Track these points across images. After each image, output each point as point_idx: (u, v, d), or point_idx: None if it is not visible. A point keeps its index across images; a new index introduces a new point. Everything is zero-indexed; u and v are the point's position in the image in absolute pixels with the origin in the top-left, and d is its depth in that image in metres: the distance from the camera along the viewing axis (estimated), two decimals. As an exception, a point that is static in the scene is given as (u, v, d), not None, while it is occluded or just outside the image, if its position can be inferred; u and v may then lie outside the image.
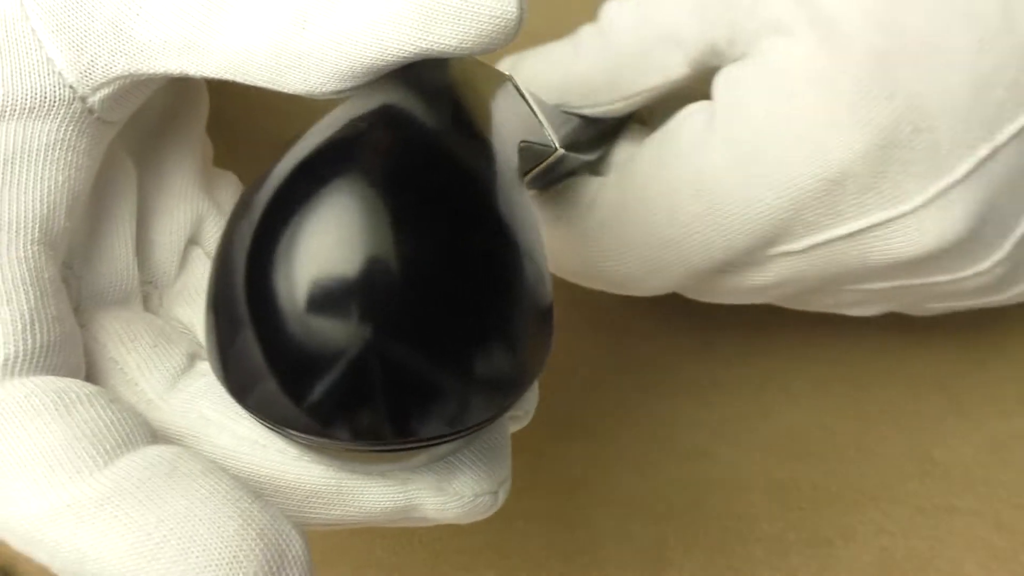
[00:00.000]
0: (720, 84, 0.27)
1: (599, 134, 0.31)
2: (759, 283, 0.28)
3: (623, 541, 0.33)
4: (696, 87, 0.29)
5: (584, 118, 0.30)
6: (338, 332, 0.18)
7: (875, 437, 0.34)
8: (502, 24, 0.20)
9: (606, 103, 0.30)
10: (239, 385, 0.20)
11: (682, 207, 0.27)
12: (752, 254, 0.27)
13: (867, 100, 0.25)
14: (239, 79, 0.21)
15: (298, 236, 0.18)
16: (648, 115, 0.32)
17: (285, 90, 0.21)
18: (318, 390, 0.19)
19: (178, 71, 0.21)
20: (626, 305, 0.35)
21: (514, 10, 0.20)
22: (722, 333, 0.35)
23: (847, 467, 0.34)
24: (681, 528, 0.33)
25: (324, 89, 0.21)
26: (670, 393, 0.34)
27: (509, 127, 0.22)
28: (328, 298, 0.18)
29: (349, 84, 0.21)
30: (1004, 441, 0.34)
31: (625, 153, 0.31)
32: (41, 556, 0.19)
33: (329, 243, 0.18)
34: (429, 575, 0.32)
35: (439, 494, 0.21)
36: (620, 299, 0.33)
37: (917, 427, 0.34)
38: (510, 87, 0.25)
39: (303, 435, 0.20)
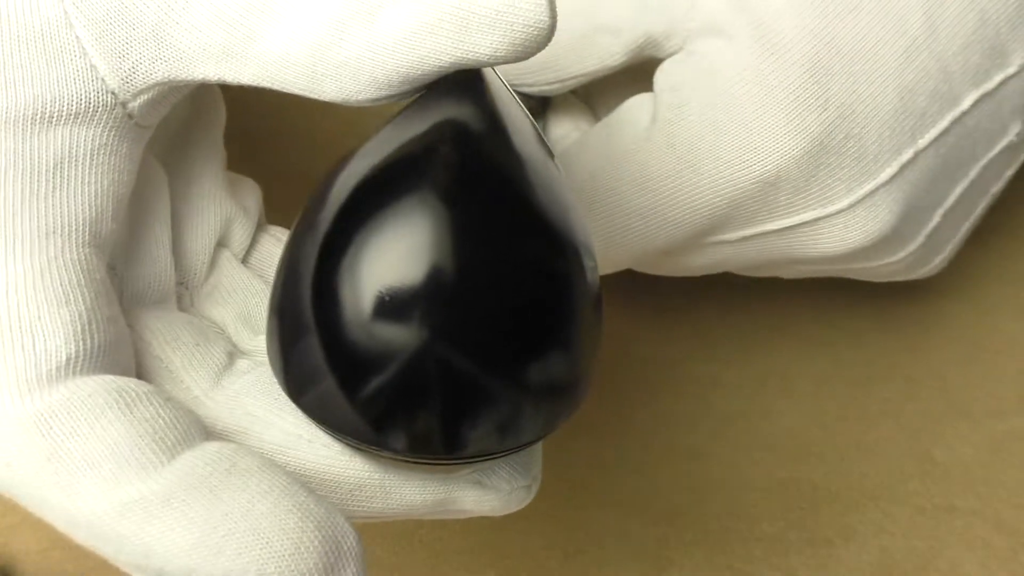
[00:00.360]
0: (661, 82, 0.28)
1: (534, 109, 0.32)
2: (695, 264, 0.30)
3: (623, 541, 0.33)
4: (634, 64, 0.30)
5: (520, 95, 0.31)
6: (401, 339, 0.19)
7: (875, 437, 0.34)
8: (535, 32, 0.20)
9: (542, 84, 0.30)
10: (298, 387, 0.21)
11: (625, 202, 0.28)
12: (689, 242, 0.29)
13: (802, 108, 0.27)
14: (275, 87, 0.22)
15: (369, 247, 0.19)
16: (582, 88, 0.32)
17: (321, 98, 0.22)
18: (375, 393, 0.19)
19: (215, 78, 0.22)
20: (626, 305, 0.35)
21: (547, 18, 0.20)
22: (722, 333, 0.35)
23: (847, 467, 0.34)
24: (681, 528, 0.33)
25: (360, 97, 0.21)
26: (670, 393, 0.34)
27: (527, 120, 0.23)
28: (397, 308, 0.19)
29: (385, 93, 0.21)
30: (1004, 441, 0.34)
31: (561, 129, 0.31)
32: (106, 550, 0.19)
33: (401, 255, 0.19)
34: (429, 575, 0.32)
35: (478, 488, 0.22)
36: (619, 299, 0.33)
37: (917, 427, 0.34)
38: (498, 77, 0.26)
39: (356, 440, 0.20)
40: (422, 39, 0.20)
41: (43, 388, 0.20)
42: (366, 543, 0.34)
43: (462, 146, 0.20)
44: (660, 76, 0.28)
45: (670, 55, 0.29)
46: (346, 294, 0.19)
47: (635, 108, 0.29)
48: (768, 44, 0.27)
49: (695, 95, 0.27)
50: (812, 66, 0.27)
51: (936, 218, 0.29)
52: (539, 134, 0.22)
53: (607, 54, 0.29)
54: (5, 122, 0.21)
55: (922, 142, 0.27)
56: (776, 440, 0.34)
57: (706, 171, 0.27)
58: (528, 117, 0.22)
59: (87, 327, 0.20)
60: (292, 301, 0.20)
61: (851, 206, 0.27)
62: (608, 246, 0.29)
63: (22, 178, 0.21)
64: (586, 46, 0.29)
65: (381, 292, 0.19)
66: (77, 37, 0.21)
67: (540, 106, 0.32)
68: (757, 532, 0.33)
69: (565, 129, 0.31)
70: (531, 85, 0.30)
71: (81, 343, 0.20)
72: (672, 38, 0.29)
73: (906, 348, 0.35)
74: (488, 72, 0.22)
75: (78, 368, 0.20)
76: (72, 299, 0.20)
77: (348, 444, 0.21)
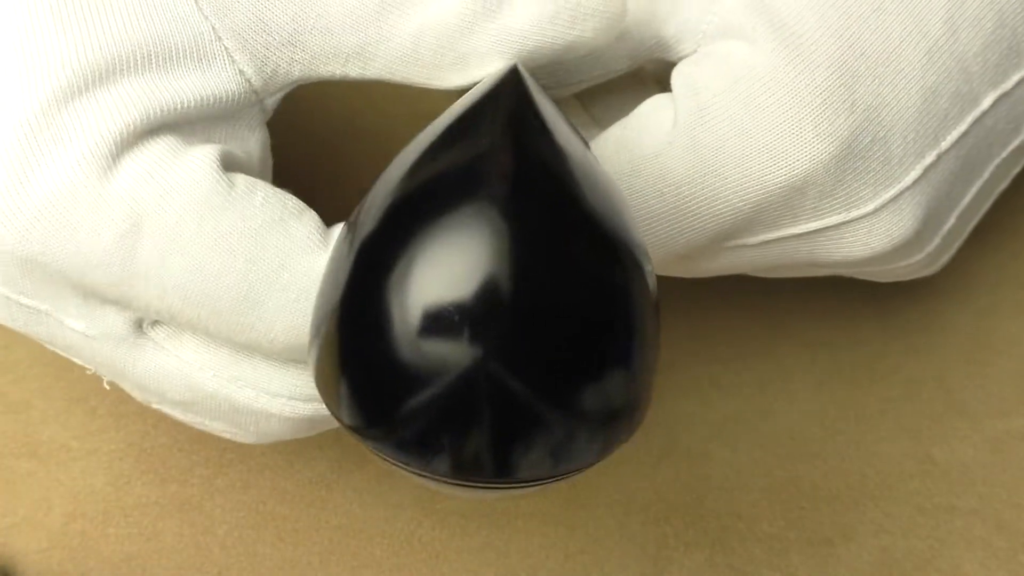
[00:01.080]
0: (680, 84, 0.28)
1: None
2: (712, 267, 0.30)
3: (623, 541, 0.33)
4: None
5: None
6: (452, 356, 0.18)
7: (875, 437, 0.34)
8: (620, 20, 0.25)
9: (545, 88, 0.30)
10: (341, 402, 0.20)
11: (645, 207, 0.27)
12: (709, 246, 0.28)
13: (829, 112, 0.26)
14: (397, 80, 0.25)
15: (421, 260, 0.18)
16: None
17: (440, 87, 0.24)
18: (423, 413, 0.18)
19: (341, 75, 0.25)
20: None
21: (625, 8, 0.25)
22: (722, 333, 0.35)
23: (847, 467, 0.34)
24: (681, 528, 0.33)
25: (476, 80, 0.24)
26: (670, 393, 0.34)
27: (564, 117, 0.22)
28: (449, 324, 0.18)
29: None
30: (1004, 441, 0.34)
31: None
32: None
33: (456, 269, 0.18)
34: (429, 575, 0.32)
35: None
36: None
37: (917, 427, 0.34)
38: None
39: (402, 461, 0.19)
40: (543, 28, 0.24)
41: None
42: (365, 543, 0.34)
43: (515, 153, 0.19)
44: (678, 78, 0.28)
45: (682, 57, 0.29)
46: (395, 307, 0.18)
47: (654, 111, 0.28)
48: (792, 46, 0.26)
49: (718, 99, 0.27)
50: (838, 68, 0.26)
51: (952, 219, 0.29)
52: (575, 129, 0.21)
53: (613, 59, 0.29)
54: (171, 125, 0.23)
55: (944, 144, 0.27)
56: (776, 440, 0.34)
57: (731, 176, 0.27)
58: (562, 114, 0.22)
59: None
60: (337, 314, 0.20)
61: (876, 210, 0.27)
62: None
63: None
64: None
65: (433, 306, 0.18)
66: (226, 48, 0.24)
67: None
68: (757, 532, 0.33)
69: None
70: None
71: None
72: (684, 42, 0.28)
73: (906, 348, 0.35)
74: (525, 72, 0.22)
75: None
76: None
77: (393, 465, 0.20)
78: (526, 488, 0.20)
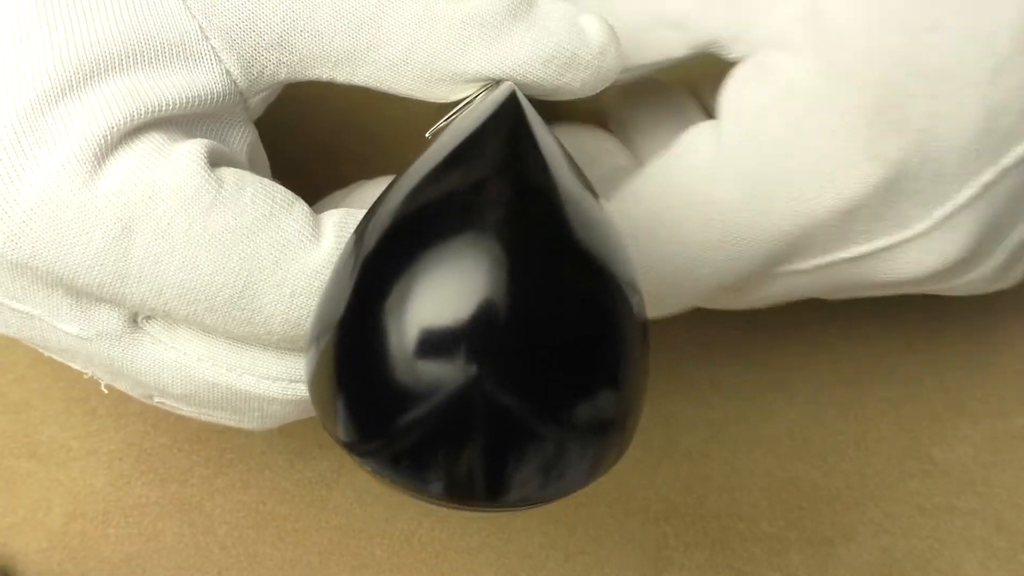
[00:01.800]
0: (727, 106, 0.27)
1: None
2: (763, 295, 0.29)
3: (623, 541, 0.33)
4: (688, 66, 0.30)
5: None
6: (447, 375, 0.19)
7: (875, 437, 0.34)
8: (610, 78, 0.25)
9: None
10: (336, 421, 0.20)
11: (693, 236, 0.27)
12: (759, 274, 0.28)
13: (878, 134, 0.25)
14: (382, 88, 0.25)
15: (419, 283, 0.19)
16: (615, 105, 0.32)
17: (424, 99, 0.25)
18: (418, 431, 0.19)
19: (327, 78, 0.25)
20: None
21: (617, 70, 0.25)
22: (722, 333, 0.35)
23: (847, 467, 0.34)
24: (681, 528, 0.33)
25: (461, 97, 0.24)
26: (670, 393, 0.34)
27: (562, 149, 0.22)
28: (444, 344, 0.19)
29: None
30: (1004, 441, 0.34)
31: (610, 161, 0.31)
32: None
33: (452, 292, 0.19)
34: (429, 575, 0.32)
35: None
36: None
37: (917, 427, 0.34)
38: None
39: (396, 481, 0.20)
40: (535, 68, 0.24)
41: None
42: (364, 543, 0.34)
43: (511, 181, 0.20)
44: (725, 99, 0.27)
45: (736, 58, 0.28)
46: (393, 329, 0.19)
47: (697, 139, 0.27)
48: (842, 66, 0.26)
49: (764, 121, 0.26)
50: (889, 88, 0.25)
51: (1016, 233, 0.28)
52: (572, 161, 0.22)
53: (670, 46, 0.29)
54: (155, 123, 0.23)
55: (1006, 161, 0.26)
56: (776, 440, 0.34)
57: (779, 200, 0.26)
58: (561, 146, 0.22)
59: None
60: (337, 333, 0.20)
61: (928, 230, 0.26)
62: (674, 287, 0.28)
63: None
64: (648, 38, 0.29)
65: (431, 328, 0.19)
66: (212, 48, 0.24)
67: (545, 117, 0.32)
68: (757, 532, 0.33)
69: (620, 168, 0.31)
70: None
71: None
72: (738, 43, 0.28)
73: (906, 348, 0.35)
74: (523, 99, 0.22)
75: None
76: None
77: (387, 484, 0.20)
78: (517, 509, 0.21)
